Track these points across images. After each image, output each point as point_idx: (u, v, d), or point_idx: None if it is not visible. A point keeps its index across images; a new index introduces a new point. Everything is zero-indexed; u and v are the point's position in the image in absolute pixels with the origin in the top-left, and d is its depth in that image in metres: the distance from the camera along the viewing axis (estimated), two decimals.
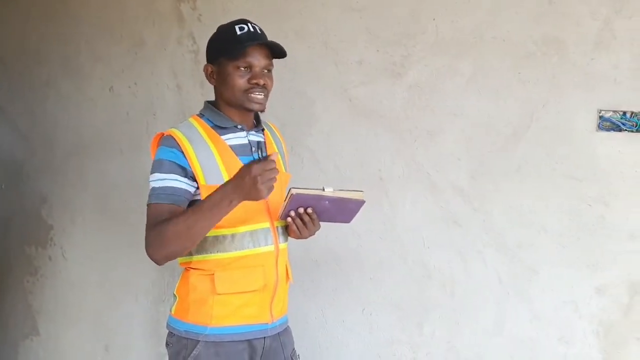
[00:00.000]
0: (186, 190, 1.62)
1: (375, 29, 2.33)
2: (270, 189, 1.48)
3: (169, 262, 2.78)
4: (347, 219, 1.68)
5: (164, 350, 2.79)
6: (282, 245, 1.74)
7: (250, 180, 1.46)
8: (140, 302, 2.86)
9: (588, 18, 2.04)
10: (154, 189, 1.63)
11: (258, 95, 1.65)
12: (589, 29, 2.04)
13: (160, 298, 2.81)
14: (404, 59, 2.29)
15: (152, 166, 1.65)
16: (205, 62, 1.74)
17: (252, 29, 1.67)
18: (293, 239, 1.80)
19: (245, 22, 1.69)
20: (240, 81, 1.64)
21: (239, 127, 1.71)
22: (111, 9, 2.85)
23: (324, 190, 1.56)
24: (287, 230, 1.76)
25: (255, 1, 2.52)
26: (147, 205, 1.63)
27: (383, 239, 2.34)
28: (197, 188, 1.64)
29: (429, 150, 2.27)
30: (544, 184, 2.12)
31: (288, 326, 1.84)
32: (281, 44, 1.71)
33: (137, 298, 2.86)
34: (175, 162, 1.61)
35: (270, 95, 1.74)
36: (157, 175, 1.62)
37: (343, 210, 1.63)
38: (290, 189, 1.57)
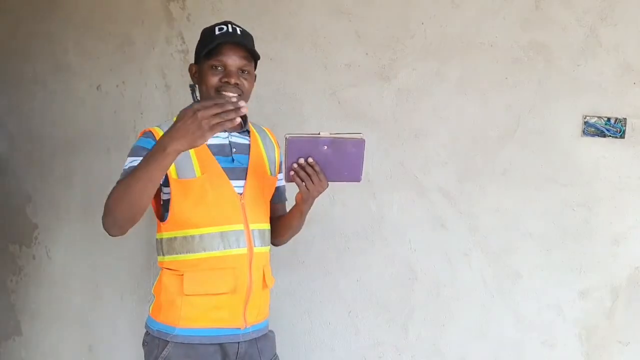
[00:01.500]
0: None
1: (364, 32, 2.34)
2: (213, 128, 1.30)
3: (154, 262, 2.78)
4: (354, 174, 1.57)
5: None
6: (259, 249, 1.70)
7: (191, 121, 1.30)
8: (125, 302, 2.84)
9: (574, 25, 2.07)
10: (123, 169, 1.60)
11: (228, 94, 1.62)
12: (575, 35, 2.07)
13: (145, 298, 2.79)
14: (392, 63, 2.30)
15: (128, 154, 1.64)
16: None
17: (230, 30, 1.65)
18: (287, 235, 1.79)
19: (227, 23, 1.68)
20: (214, 79, 1.63)
21: None
22: (100, 7, 2.84)
23: (319, 134, 1.50)
24: (297, 195, 1.66)
25: (245, 2, 2.52)
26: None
27: (370, 241, 2.35)
28: (163, 191, 1.64)
29: (416, 153, 2.29)
30: (529, 188, 2.14)
31: (269, 332, 1.81)
32: (256, 46, 1.69)
33: (122, 298, 2.85)
34: (148, 149, 1.54)
35: (252, 97, 1.71)
36: (128, 159, 1.61)
37: (345, 158, 1.53)
38: (285, 135, 1.51)
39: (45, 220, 3.05)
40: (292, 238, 1.89)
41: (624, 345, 2.05)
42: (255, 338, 1.73)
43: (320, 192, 1.62)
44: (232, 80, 1.62)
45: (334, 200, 2.38)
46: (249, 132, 1.77)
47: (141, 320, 2.80)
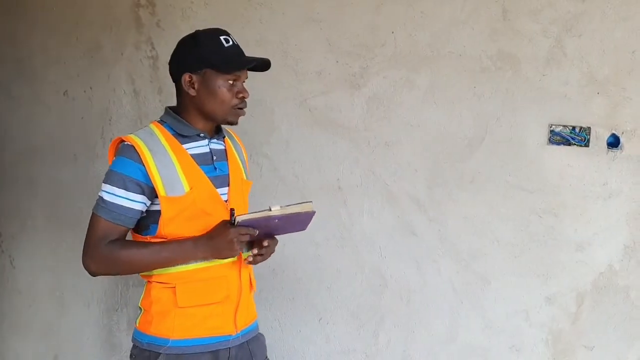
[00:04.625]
0: (136, 210, 1.59)
1: (335, 40, 2.35)
2: (243, 247, 1.59)
3: None
4: (302, 228, 1.69)
5: (115, 359, 2.74)
6: (245, 254, 1.69)
7: (226, 243, 1.54)
8: (92, 311, 2.79)
9: (540, 36, 2.11)
10: (103, 200, 1.59)
11: (244, 109, 1.67)
12: (541, 46, 2.11)
13: (113, 307, 2.75)
14: (363, 71, 2.32)
15: (107, 174, 1.60)
16: (181, 70, 1.64)
17: (235, 43, 1.66)
18: None
19: (227, 34, 1.66)
20: (229, 95, 1.63)
21: (202, 135, 1.67)
22: (67, 12, 2.79)
23: (270, 210, 1.54)
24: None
25: (215, 8, 2.51)
26: (94, 213, 1.60)
27: (340, 248, 2.36)
28: (153, 202, 1.60)
29: (386, 161, 2.30)
30: (497, 195, 2.18)
31: (259, 334, 1.81)
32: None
33: (89, 307, 2.80)
34: (132, 178, 1.56)
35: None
36: (109, 187, 1.58)
37: (295, 222, 1.63)
38: (234, 218, 1.54)
39: (9, 229, 2.99)
40: None
41: (589, 349, 2.09)
42: (247, 341, 1.73)
43: (272, 253, 1.72)
44: (247, 96, 1.67)
45: None
46: (223, 136, 1.76)
47: (108, 329, 2.78)
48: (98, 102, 2.74)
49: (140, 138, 1.61)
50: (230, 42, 1.65)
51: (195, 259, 1.59)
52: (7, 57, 2.96)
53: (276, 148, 2.45)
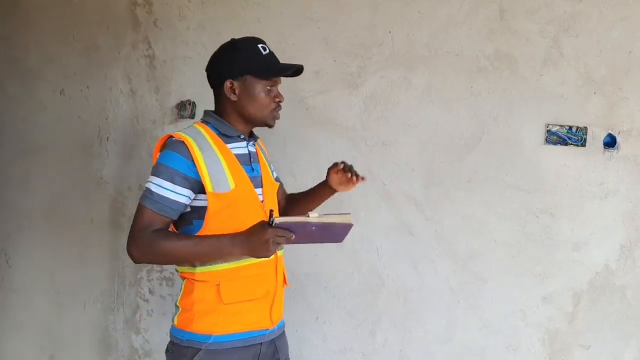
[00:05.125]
0: (181, 203, 1.65)
1: (332, 40, 2.35)
2: (277, 247, 1.59)
3: (119, 271, 2.74)
4: (339, 240, 1.68)
5: (112, 359, 2.74)
6: (280, 252, 1.78)
7: (262, 242, 1.55)
8: (88, 311, 2.79)
9: (537, 36, 2.12)
10: (150, 191, 1.64)
11: (279, 112, 1.77)
12: (538, 46, 2.12)
13: (109, 307, 2.74)
14: (360, 70, 2.32)
15: (155, 167, 1.66)
16: (223, 76, 1.72)
17: (271, 51, 1.76)
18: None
19: (263, 42, 1.77)
20: (267, 99, 1.73)
21: (242, 136, 1.76)
22: (64, 10, 2.78)
23: (308, 216, 1.55)
24: None
25: (212, 7, 2.51)
26: (141, 204, 1.66)
27: (337, 247, 2.36)
28: (195, 197, 1.66)
29: (383, 160, 2.30)
30: (493, 194, 2.18)
31: (284, 331, 1.87)
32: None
33: (85, 307, 2.79)
34: (179, 172, 1.63)
35: None
36: (157, 180, 1.64)
37: (332, 233, 1.63)
38: (273, 219, 1.56)
39: (5, 228, 2.97)
40: None
41: (586, 349, 2.10)
42: (274, 337, 1.79)
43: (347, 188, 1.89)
44: (283, 99, 1.76)
45: None
46: (256, 139, 1.84)
47: (104, 329, 2.77)
48: (95, 101, 2.73)
49: (189, 135, 1.68)
50: (267, 50, 1.75)
51: (232, 255, 1.63)
52: (3, 55, 2.94)
53: (273, 147, 2.44)
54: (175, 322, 1.73)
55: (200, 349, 1.67)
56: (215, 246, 1.62)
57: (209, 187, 1.63)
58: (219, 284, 1.67)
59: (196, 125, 1.74)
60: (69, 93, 2.78)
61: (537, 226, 2.14)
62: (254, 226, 1.59)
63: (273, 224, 1.55)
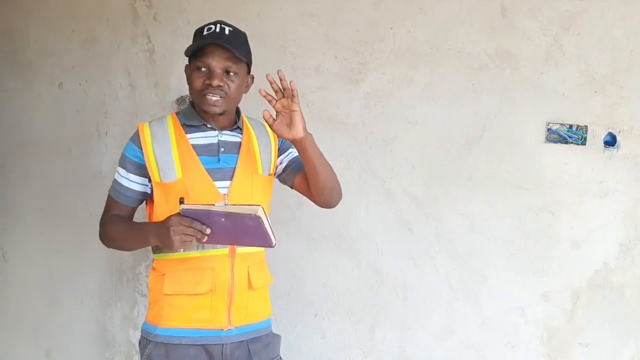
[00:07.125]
0: (134, 190, 1.68)
1: (333, 36, 2.35)
2: (183, 243, 1.50)
3: (117, 266, 2.73)
4: (264, 242, 1.50)
5: (109, 355, 2.73)
6: (243, 249, 1.65)
7: (165, 230, 1.50)
8: (85, 305, 2.77)
9: (539, 34, 2.12)
10: (114, 180, 1.71)
11: (212, 97, 1.60)
12: (539, 44, 2.12)
13: (107, 301, 2.73)
14: (361, 66, 2.32)
15: (120, 156, 1.70)
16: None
17: (217, 29, 1.62)
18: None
19: (216, 22, 1.65)
20: (198, 82, 1.61)
21: (209, 126, 1.67)
22: (63, 3, 2.76)
23: (214, 205, 1.46)
24: None
25: (212, 2, 2.49)
26: (108, 192, 1.73)
27: (337, 244, 2.36)
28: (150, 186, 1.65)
29: (384, 157, 2.30)
30: (494, 192, 2.18)
31: (268, 335, 1.74)
32: (241, 47, 1.65)
33: (82, 301, 2.78)
34: (131, 160, 1.66)
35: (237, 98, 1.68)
36: (118, 169, 1.70)
37: (247, 228, 1.46)
38: (180, 207, 1.48)
39: (2, 222, 2.95)
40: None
41: (584, 346, 2.11)
42: (246, 340, 1.68)
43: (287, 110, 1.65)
44: (215, 83, 1.59)
45: (301, 203, 2.37)
46: (241, 129, 1.74)
47: (101, 323, 2.76)
48: (93, 95, 2.71)
49: (149, 124, 1.68)
50: (212, 29, 1.62)
51: (148, 243, 1.61)
52: (1, 48, 2.92)
53: None
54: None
55: (150, 341, 1.64)
56: (139, 232, 1.63)
57: (155, 176, 1.63)
58: (164, 274, 1.64)
59: (168, 115, 1.72)
60: (67, 87, 2.77)
61: (536, 224, 2.14)
62: (169, 215, 1.52)
63: (181, 209, 1.48)
